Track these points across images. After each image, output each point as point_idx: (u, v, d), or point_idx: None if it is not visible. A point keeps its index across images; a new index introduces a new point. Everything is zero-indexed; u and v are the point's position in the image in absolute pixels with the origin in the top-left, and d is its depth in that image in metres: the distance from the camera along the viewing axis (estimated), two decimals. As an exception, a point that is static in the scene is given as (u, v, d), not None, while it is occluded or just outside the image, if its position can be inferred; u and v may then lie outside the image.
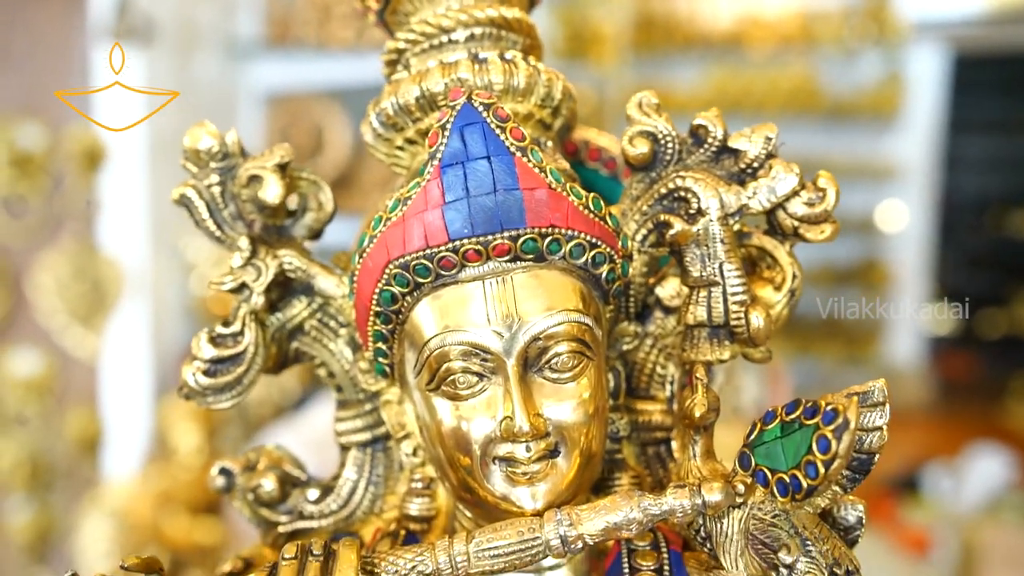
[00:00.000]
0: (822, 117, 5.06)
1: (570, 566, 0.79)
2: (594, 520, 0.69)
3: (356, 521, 0.86)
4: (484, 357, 0.72)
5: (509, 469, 0.72)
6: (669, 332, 0.83)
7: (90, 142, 2.93)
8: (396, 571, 0.70)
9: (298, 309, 0.85)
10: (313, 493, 0.88)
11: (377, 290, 0.75)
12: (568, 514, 0.69)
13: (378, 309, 0.76)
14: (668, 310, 0.83)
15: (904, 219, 5.26)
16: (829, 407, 0.67)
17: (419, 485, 0.83)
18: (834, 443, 0.65)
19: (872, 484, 4.42)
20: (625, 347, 0.83)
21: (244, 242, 0.81)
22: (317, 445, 3.03)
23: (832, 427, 0.65)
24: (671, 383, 0.83)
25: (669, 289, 0.83)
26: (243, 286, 0.81)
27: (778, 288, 0.79)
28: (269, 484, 0.87)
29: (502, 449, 0.72)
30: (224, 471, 0.89)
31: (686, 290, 0.79)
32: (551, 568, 0.78)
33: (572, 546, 0.69)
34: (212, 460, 3.05)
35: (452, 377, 0.73)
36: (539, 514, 0.71)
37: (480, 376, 0.72)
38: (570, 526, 0.69)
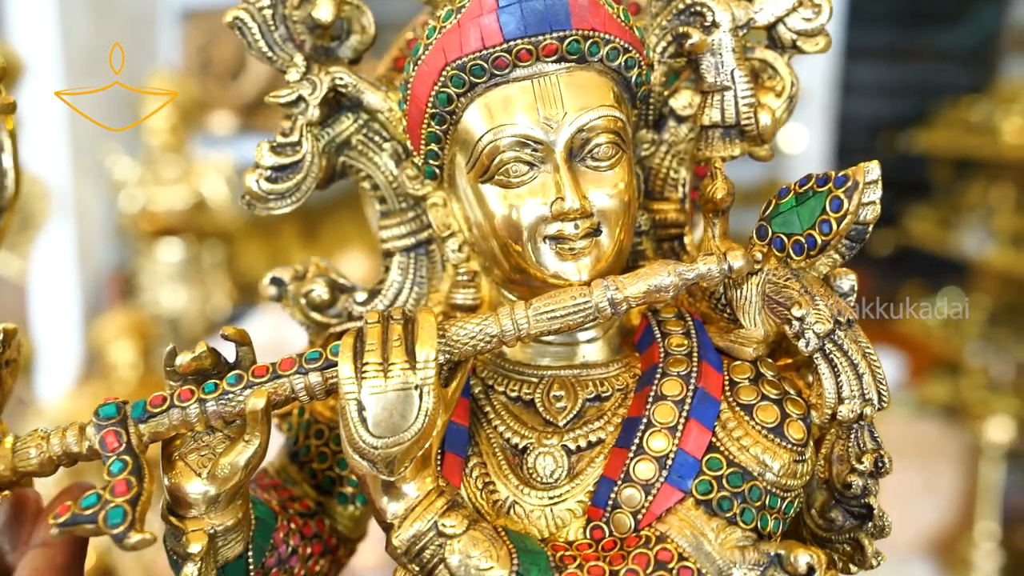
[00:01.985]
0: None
1: (605, 340, 0.89)
2: (637, 284, 0.79)
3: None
4: (534, 148, 0.81)
5: (558, 246, 0.82)
6: (681, 139, 0.94)
7: (5, 55, 2.84)
8: (465, 333, 0.79)
9: (346, 125, 0.92)
10: (361, 296, 0.96)
11: (433, 93, 0.83)
12: (614, 280, 0.80)
13: (433, 111, 0.84)
14: (680, 119, 0.94)
15: (804, 141, 5.54)
16: (840, 173, 0.79)
17: (465, 278, 0.92)
18: (846, 201, 0.77)
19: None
20: (643, 153, 0.94)
21: (299, 58, 0.88)
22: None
23: (843, 188, 0.78)
24: (683, 185, 0.94)
25: (682, 100, 0.93)
26: (299, 99, 0.88)
27: (779, 95, 0.91)
28: (320, 288, 0.95)
29: (552, 228, 0.82)
30: (275, 280, 0.96)
31: (698, 100, 0.90)
32: (588, 342, 0.89)
33: (618, 308, 0.79)
34: (148, 376, 3.06)
35: (504, 167, 0.82)
36: (586, 284, 0.81)
37: (530, 165, 0.82)
38: (616, 290, 0.79)
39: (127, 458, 0.75)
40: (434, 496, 0.76)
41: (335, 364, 0.78)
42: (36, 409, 3.05)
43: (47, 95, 2.89)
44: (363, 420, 0.73)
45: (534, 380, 0.88)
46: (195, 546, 0.76)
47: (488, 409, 0.87)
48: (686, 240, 0.93)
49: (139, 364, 3.02)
